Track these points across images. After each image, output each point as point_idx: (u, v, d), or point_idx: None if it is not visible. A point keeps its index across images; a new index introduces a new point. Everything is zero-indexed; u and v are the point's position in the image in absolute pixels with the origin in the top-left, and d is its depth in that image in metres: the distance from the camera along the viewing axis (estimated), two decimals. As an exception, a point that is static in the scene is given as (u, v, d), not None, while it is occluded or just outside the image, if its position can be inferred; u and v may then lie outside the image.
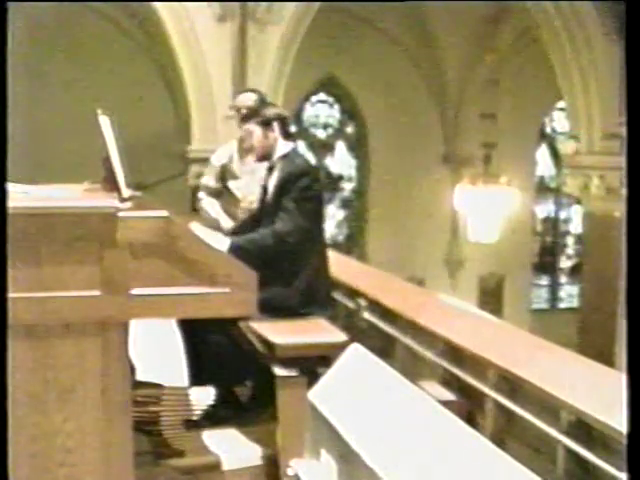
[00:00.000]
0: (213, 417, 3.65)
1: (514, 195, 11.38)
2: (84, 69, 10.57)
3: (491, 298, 13.42)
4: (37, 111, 10.06)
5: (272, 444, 3.23)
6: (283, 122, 3.63)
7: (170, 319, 3.56)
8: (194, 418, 3.65)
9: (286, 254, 3.41)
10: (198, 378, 3.72)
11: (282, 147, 3.59)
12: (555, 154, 13.95)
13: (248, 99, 4.49)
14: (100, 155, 2.96)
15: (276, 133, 3.58)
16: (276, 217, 3.43)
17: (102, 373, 2.22)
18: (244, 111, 4.19)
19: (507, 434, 3.25)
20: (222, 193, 4.65)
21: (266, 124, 3.57)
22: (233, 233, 3.70)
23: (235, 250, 3.16)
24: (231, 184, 4.60)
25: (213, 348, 3.52)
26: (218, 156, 4.73)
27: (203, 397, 3.76)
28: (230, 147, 4.69)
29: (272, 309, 3.02)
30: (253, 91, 4.68)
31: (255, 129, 3.60)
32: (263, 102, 4.48)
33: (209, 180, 4.70)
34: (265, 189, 3.63)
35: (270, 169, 3.61)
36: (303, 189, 3.43)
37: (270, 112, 3.64)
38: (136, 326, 2.86)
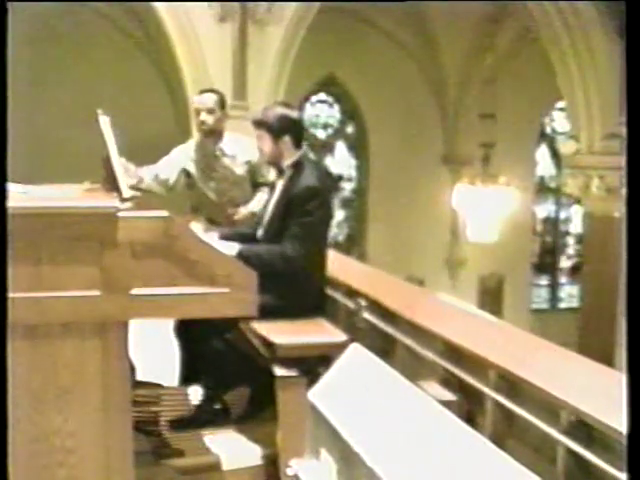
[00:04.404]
0: (213, 418, 3.65)
1: (514, 195, 11.39)
2: (84, 69, 10.57)
3: (491, 298, 13.41)
4: (37, 111, 10.06)
5: (272, 444, 3.23)
6: (296, 131, 3.59)
7: (170, 319, 3.56)
8: (193, 418, 3.65)
9: (290, 275, 3.42)
10: (194, 381, 3.72)
11: (292, 154, 3.58)
12: (555, 154, 13.95)
13: (208, 100, 4.42)
14: (100, 155, 2.96)
15: (287, 142, 3.55)
16: (283, 237, 3.42)
17: (102, 373, 2.22)
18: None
19: (507, 434, 3.25)
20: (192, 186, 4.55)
21: (277, 134, 3.54)
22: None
23: (242, 260, 3.15)
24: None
25: (210, 351, 3.51)
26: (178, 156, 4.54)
27: (201, 395, 3.76)
28: (186, 148, 4.59)
29: (269, 314, 3.03)
30: (212, 91, 4.53)
31: (265, 136, 3.57)
32: (222, 102, 4.42)
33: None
34: (272, 192, 3.67)
35: (280, 172, 3.64)
36: (311, 211, 3.43)
37: (282, 122, 3.55)
38: (136, 326, 2.87)
